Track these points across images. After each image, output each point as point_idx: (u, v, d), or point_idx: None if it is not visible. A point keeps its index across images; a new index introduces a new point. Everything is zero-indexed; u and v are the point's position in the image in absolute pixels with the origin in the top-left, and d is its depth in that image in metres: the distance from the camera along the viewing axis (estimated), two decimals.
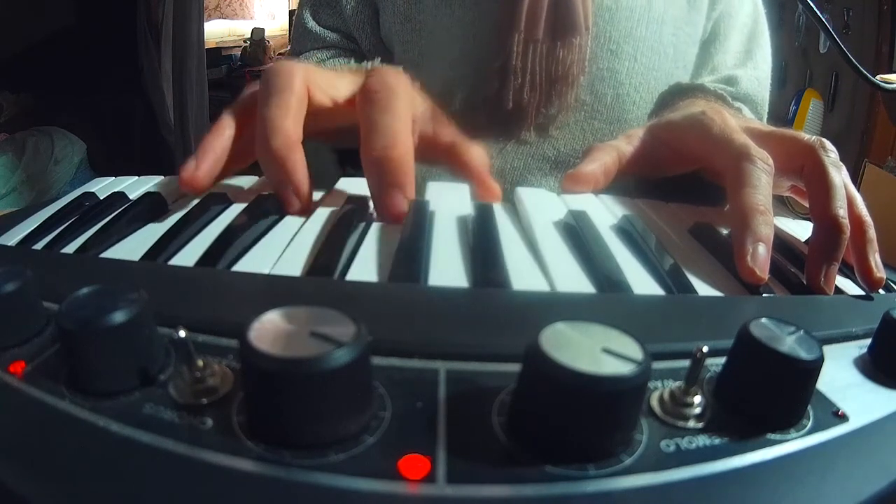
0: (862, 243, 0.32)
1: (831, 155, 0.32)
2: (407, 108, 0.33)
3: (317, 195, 0.34)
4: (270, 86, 0.32)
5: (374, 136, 0.31)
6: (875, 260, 0.31)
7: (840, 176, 0.31)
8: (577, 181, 0.37)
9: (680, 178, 0.41)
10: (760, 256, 0.27)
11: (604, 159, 0.39)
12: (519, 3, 0.51)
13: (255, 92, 0.34)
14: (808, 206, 0.32)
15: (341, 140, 0.48)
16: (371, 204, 0.33)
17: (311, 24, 0.61)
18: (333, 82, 0.35)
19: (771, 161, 0.31)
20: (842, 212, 0.30)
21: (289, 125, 0.31)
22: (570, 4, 0.51)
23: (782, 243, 0.33)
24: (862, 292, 0.30)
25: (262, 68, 2.83)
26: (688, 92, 0.51)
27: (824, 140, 0.33)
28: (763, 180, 0.30)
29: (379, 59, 0.43)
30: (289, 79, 0.32)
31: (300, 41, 0.62)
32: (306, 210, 0.32)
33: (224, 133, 0.34)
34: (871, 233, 0.32)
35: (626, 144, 0.40)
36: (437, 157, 0.39)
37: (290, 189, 0.31)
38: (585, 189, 0.37)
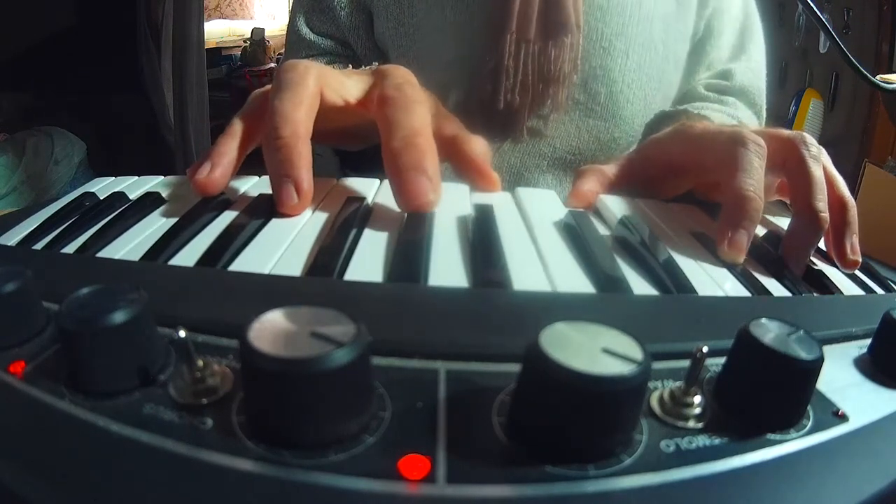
0: (841, 224, 0.32)
1: (811, 149, 0.32)
2: (427, 109, 0.33)
3: (316, 195, 0.34)
4: (284, 81, 0.32)
5: (397, 130, 0.31)
6: (851, 242, 0.32)
7: (819, 169, 0.32)
8: (576, 199, 0.38)
9: (676, 198, 0.41)
10: (738, 241, 0.29)
11: (595, 178, 0.39)
12: (510, 4, 0.51)
13: (266, 92, 0.34)
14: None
15: (345, 142, 0.48)
16: (370, 202, 0.33)
17: (305, 31, 0.60)
18: (344, 82, 0.35)
19: (763, 143, 0.32)
20: (821, 205, 0.31)
21: (300, 117, 0.30)
22: (560, 4, 0.51)
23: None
24: (862, 292, 0.31)
25: (263, 68, 2.83)
26: (672, 117, 0.52)
27: (805, 134, 0.33)
28: (755, 164, 0.31)
29: (377, 63, 0.43)
30: (303, 76, 0.32)
31: (294, 49, 0.62)
32: (302, 209, 0.31)
33: (237, 136, 0.34)
34: (852, 214, 0.33)
35: (613, 167, 0.41)
36: (439, 151, 0.40)
37: (291, 183, 0.30)
38: (583, 206, 0.37)
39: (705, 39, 0.62)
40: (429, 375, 0.18)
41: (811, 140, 0.33)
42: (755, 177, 0.30)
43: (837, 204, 0.33)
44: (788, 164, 0.32)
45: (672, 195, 0.41)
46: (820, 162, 0.32)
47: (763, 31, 0.65)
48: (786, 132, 0.34)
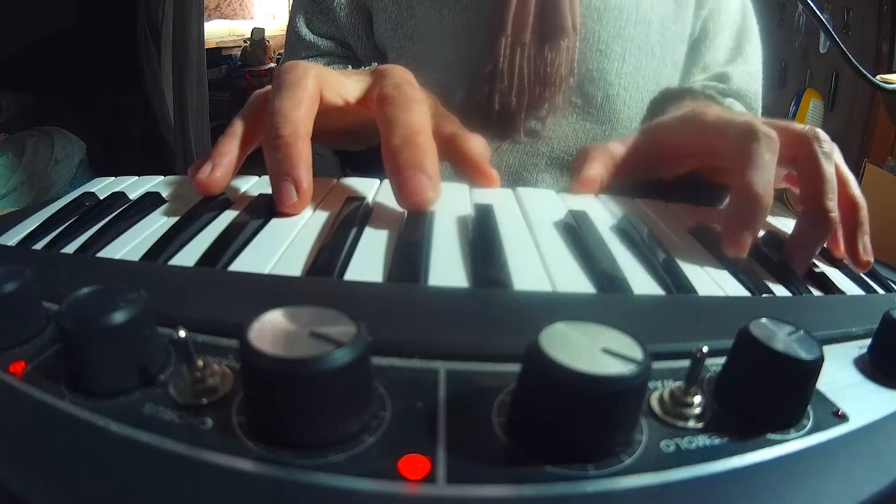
0: (853, 223, 0.32)
1: (824, 145, 0.32)
2: (426, 108, 0.33)
3: (316, 195, 0.34)
4: (283, 81, 0.32)
5: (396, 128, 0.31)
6: (864, 242, 0.32)
7: (832, 167, 0.31)
8: (582, 185, 0.37)
9: (679, 177, 0.41)
10: (743, 239, 0.29)
11: (602, 159, 0.39)
12: (506, 8, 0.51)
13: (266, 93, 0.34)
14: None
15: (345, 142, 0.48)
16: (370, 202, 0.33)
17: (305, 32, 0.60)
18: (344, 82, 0.35)
19: (776, 137, 0.31)
20: (831, 204, 0.30)
21: (299, 117, 0.31)
22: (556, 7, 0.51)
23: (782, 244, 0.33)
24: (862, 292, 0.30)
25: (263, 68, 2.83)
26: (676, 96, 0.52)
27: (817, 129, 0.33)
28: (767, 158, 0.30)
29: (376, 64, 0.44)
30: (302, 76, 0.32)
31: (294, 50, 0.62)
32: (301, 208, 0.31)
33: (237, 137, 0.34)
34: (863, 214, 0.32)
35: (619, 146, 0.40)
36: (438, 150, 0.40)
37: (290, 182, 0.30)
38: (590, 191, 0.37)
39: (701, 41, 0.61)
40: (429, 375, 0.18)
41: (824, 136, 0.32)
42: (766, 173, 0.30)
43: (849, 203, 0.32)
44: (799, 159, 0.32)
45: (674, 175, 0.41)
46: (832, 159, 0.32)
47: (763, 32, 0.65)
48: (798, 126, 0.33)
